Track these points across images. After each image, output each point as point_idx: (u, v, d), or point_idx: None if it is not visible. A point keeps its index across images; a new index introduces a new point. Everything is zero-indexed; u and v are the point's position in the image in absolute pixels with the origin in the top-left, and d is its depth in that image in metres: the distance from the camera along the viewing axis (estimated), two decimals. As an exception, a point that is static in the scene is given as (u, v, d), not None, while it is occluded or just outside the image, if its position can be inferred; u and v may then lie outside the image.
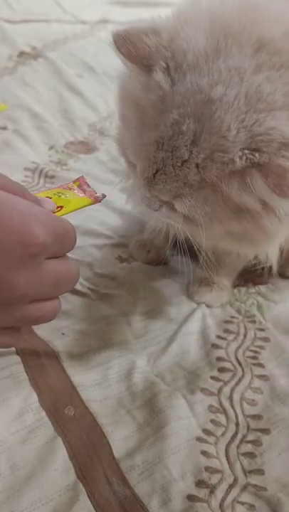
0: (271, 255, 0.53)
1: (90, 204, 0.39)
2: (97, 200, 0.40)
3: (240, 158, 0.37)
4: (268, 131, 0.36)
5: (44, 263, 0.31)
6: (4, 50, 1.10)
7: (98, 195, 0.40)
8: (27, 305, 0.31)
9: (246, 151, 0.36)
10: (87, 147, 0.85)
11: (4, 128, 0.85)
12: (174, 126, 0.38)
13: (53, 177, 0.76)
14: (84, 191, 0.40)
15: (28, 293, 0.30)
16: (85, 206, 0.39)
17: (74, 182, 0.41)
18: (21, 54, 1.10)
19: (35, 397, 0.45)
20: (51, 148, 0.83)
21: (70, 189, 0.40)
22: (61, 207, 0.37)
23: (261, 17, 0.40)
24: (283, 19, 0.41)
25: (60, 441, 0.42)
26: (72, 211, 0.37)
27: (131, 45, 0.40)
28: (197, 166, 0.38)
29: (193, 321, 0.57)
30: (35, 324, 0.34)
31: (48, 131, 0.86)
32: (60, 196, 0.37)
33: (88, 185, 0.40)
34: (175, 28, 0.40)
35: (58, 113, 0.92)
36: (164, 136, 0.39)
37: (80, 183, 0.40)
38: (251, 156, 0.36)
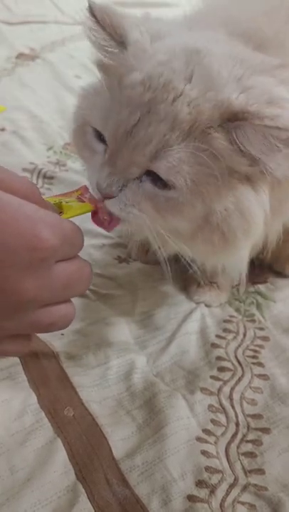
0: (242, 265, 0.47)
1: (92, 210, 0.39)
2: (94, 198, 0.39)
3: (237, 98, 0.36)
4: (255, 85, 0.37)
5: (54, 266, 0.30)
6: (2, 52, 1.10)
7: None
8: (37, 310, 0.30)
9: (241, 95, 0.36)
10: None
11: (3, 129, 0.85)
12: (163, 66, 0.37)
13: (51, 178, 0.76)
14: (85, 199, 0.39)
15: (37, 297, 0.29)
16: (87, 212, 0.39)
17: (76, 191, 0.40)
18: (19, 55, 1.10)
19: (34, 398, 0.45)
20: (50, 149, 0.83)
21: (70, 197, 0.39)
22: (62, 212, 0.37)
23: (226, 11, 0.44)
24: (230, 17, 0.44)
25: (59, 442, 0.42)
26: (73, 217, 0.37)
27: (106, 15, 0.40)
28: (189, 104, 0.36)
29: (192, 320, 0.56)
30: (47, 331, 0.33)
31: (47, 132, 0.86)
32: (61, 202, 0.37)
33: (91, 194, 0.40)
34: (145, 18, 0.43)
35: (56, 114, 0.92)
36: (153, 74, 0.37)
37: (82, 192, 0.40)
38: (246, 100, 0.36)
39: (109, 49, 0.40)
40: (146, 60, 0.38)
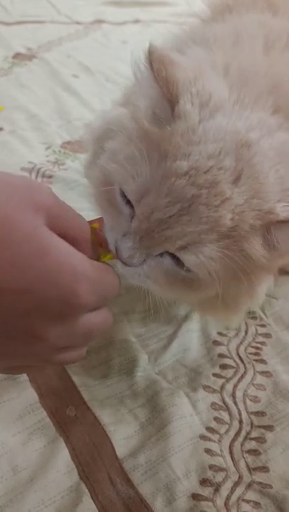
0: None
1: (111, 259, 0.38)
2: (115, 256, 0.38)
3: (282, 210, 0.35)
4: None
5: (80, 317, 0.30)
6: (-1, 52, 1.10)
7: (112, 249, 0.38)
8: (53, 353, 0.31)
9: (285, 204, 0.35)
10: (84, 147, 0.85)
11: (1, 129, 0.84)
12: (213, 160, 0.34)
13: (50, 177, 0.75)
14: (101, 237, 0.37)
15: (56, 345, 0.30)
16: (109, 260, 0.38)
17: (93, 222, 0.38)
18: (16, 55, 1.09)
19: (36, 397, 0.45)
20: (48, 148, 0.82)
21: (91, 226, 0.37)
22: None
23: (276, 83, 0.40)
24: None
25: (62, 442, 0.42)
26: None
27: (164, 66, 0.36)
28: (233, 210, 0.34)
29: (193, 318, 0.56)
30: (56, 366, 0.34)
31: (45, 131, 0.86)
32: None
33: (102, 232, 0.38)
34: (199, 71, 0.38)
35: (55, 113, 0.92)
36: (200, 168, 0.34)
37: (99, 227, 0.38)
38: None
39: (157, 110, 0.37)
40: (194, 145, 0.35)
